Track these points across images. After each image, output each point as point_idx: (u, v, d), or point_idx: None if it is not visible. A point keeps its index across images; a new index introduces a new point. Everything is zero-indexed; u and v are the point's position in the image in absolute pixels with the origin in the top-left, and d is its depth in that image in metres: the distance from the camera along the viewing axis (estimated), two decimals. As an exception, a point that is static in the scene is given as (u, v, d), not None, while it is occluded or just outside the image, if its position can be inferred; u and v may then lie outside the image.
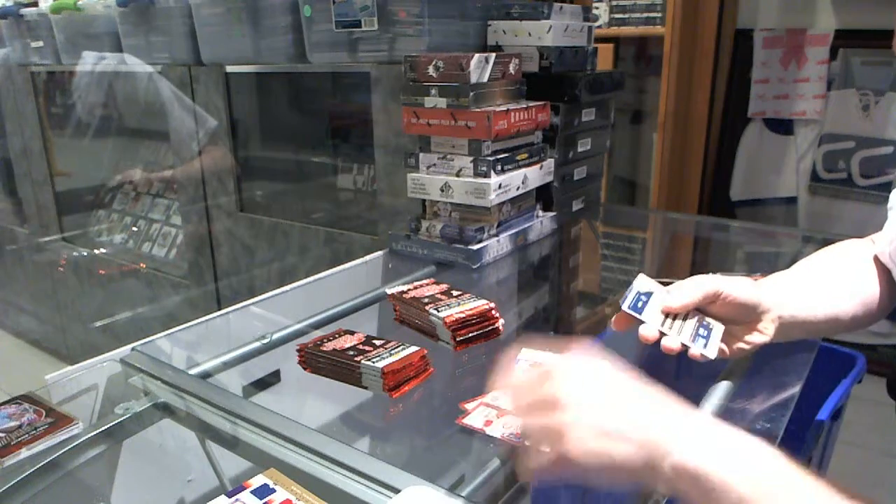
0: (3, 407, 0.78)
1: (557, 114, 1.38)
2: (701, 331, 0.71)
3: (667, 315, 0.72)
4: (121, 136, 2.48)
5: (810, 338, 0.84)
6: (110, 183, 2.67)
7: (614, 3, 2.41)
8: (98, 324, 2.57)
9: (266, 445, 0.70)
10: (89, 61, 2.17)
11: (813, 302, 0.75)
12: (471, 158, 1.20)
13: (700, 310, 0.73)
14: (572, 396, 0.55)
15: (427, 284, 1.04)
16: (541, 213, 1.40)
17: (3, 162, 2.82)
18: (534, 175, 1.32)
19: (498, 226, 1.26)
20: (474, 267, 1.20)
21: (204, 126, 1.93)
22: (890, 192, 0.82)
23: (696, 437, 0.51)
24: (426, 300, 0.96)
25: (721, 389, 0.77)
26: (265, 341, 0.96)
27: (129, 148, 2.52)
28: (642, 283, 0.75)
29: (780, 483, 0.48)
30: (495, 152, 1.22)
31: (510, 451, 0.68)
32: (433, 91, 1.20)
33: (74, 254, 2.63)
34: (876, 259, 0.80)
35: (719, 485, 0.48)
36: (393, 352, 0.83)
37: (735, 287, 0.70)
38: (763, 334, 0.72)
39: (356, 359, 0.82)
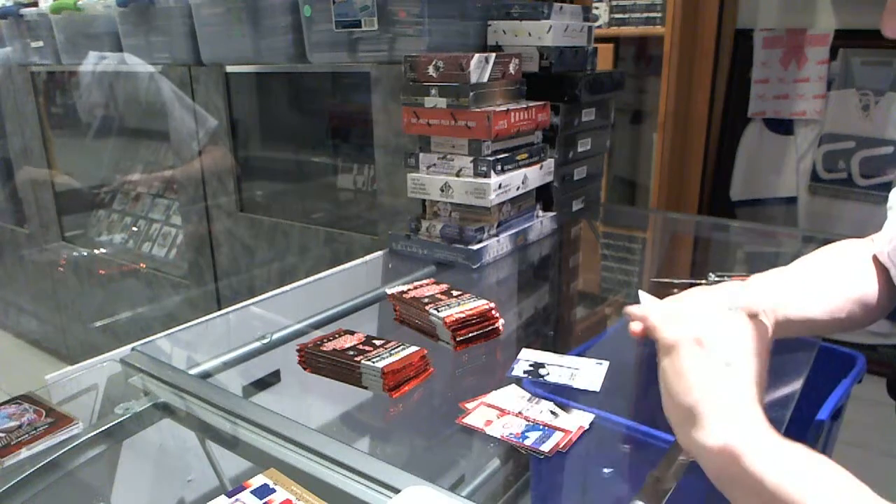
0: (3, 407, 0.78)
1: (557, 114, 1.38)
2: None
3: None
4: (121, 136, 2.48)
5: (806, 336, 0.84)
6: (112, 184, 2.67)
7: (614, 3, 2.41)
8: (98, 324, 2.57)
9: (266, 445, 0.70)
10: (90, 61, 2.17)
11: (808, 300, 0.75)
12: (471, 158, 1.20)
13: None
14: (706, 331, 0.59)
15: (427, 284, 1.04)
16: (541, 213, 1.40)
17: (3, 162, 2.83)
18: (534, 175, 1.32)
19: (498, 226, 1.26)
20: (474, 267, 1.20)
21: (204, 126, 1.93)
22: (890, 191, 0.82)
23: (756, 431, 0.53)
24: (426, 300, 0.96)
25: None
26: (265, 341, 0.96)
27: (129, 148, 2.52)
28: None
29: (819, 485, 0.49)
30: (495, 152, 1.22)
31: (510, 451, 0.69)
32: (433, 91, 1.20)
33: (74, 254, 2.63)
34: (875, 259, 0.80)
35: (756, 477, 0.50)
36: (393, 352, 0.83)
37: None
38: None
39: (356, 359, 0.82)
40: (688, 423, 0.56)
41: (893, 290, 0.79)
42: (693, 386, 0.57)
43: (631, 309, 0.67)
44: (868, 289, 0.78)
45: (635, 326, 0.67)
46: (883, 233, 0.80)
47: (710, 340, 0.59)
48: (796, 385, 0.84)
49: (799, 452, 0.51)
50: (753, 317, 0.62)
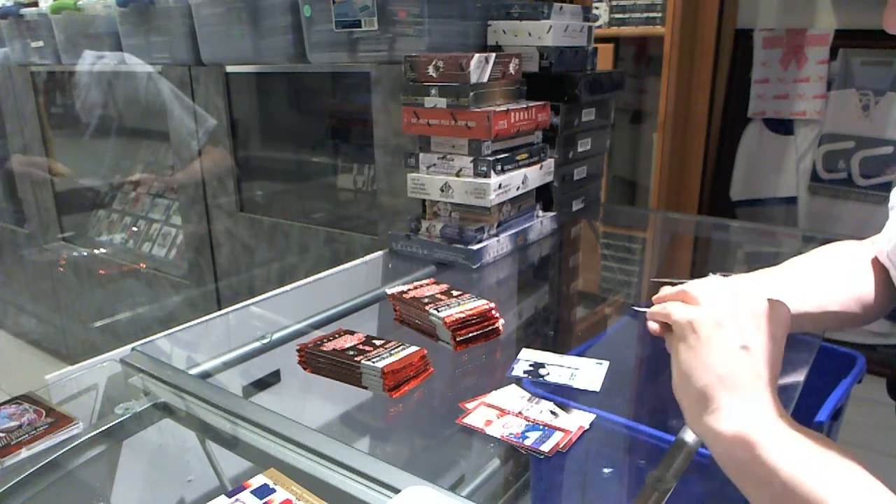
0: (3, 407, 0.78)
1: (557, 114, 1.38)
2: None
3: None
4: (120, 135, 2.48)
5: (800, 330, 0.84)
6: (112, 183, 2.67)
7: (614, 3, 2.41)
8: (98, 324, 2.57)
9: (266, 445, 0.70)
10: (86, 60, 2.17)
11: (799, 294, 0.75)
12: (471, 158, 1.20)
13: None
14: (724, 317, 0.58)
15: (427, 284, 1.04)
16: (541, 213, 1.40)
17: (3, 162, 2.82)
18: (534, 175, 1.32)
19: (498, 226, 1.26)
20: (474, 267, 1.20)
21: (203, 125, 1.93)
22: (890, 191, 0.82)
23: (771, 419, 0.52)
24: (426, 300, 0.96)
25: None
26: (265, 341, 0.96)
27: (128, 147, 2.52)
28: None
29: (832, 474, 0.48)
30: (495, 152, 1.21)
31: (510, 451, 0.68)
32: (433, 91, 1.20)
33: (74, 254, 2.63)
34: (875, 259, 0.80)
35: (770, 466, 0.49)
36: (393, 352, 0.83)
37: None
38: None
39: (356, 359, 0.82)
40: (700, 406, 0.55)
41: (893, 291, 0.79)
42: (708, 368, 0.55)
43: (653, 310, 0.65)
44: (864, 287, 0.78)
45: (654, 325, 0.65)
46: (883, 233, 0.80)
47: (728, 321, 0.57)
48: (796, 385, 0.84)
49: (813, 442, 0.50)
50: (772, 299, 0.60)
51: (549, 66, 1.38)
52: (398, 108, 1.35)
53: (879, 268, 0.79)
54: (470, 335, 0.92)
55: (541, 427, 0.73)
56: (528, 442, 0.70)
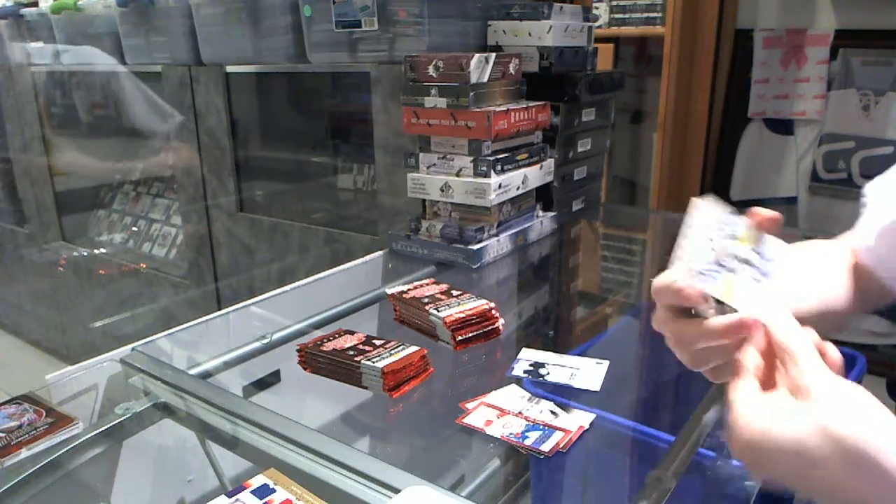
0: (3, 407, 0.78)
1: (557, 114, 1.38)
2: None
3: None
4: (120, 135, 2.48)
5: None
6: (111, 182, 2.67)
7: (614, 3, 2.41)
8: (98, 324, 2.57)
9: (266, 445, 0.70)
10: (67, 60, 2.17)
11: None
12: (471, 158, 1.20)
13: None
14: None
15: (427, 284, 1.04)
16: (541, 213, 1.40)
17: (3, 161, 2.83)
18: (534, 175, 1.32)
19: (498, 226, 1.26)
20: (474, 267, 1.20)
21: (169, 121, 1.93)
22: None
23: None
24: (426, 300, 0.96)
25: (722, 389, 0.77)
26: (265, 341, 0.96)
27: (128, 147, 2.52)
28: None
29: None
30: (495, 152, 1.22)
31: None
32: (433, 91, 1.20)
33: (74, 254, 2.63)
34: (847, 256, 0.76)
35: None
36: (393, 352, 0.83)
37: None
38: None
39: (356, 359, 0.82)
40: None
41: (863, 289, 0.74)
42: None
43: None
44: (826, 283, 0.73)
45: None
46: (856, 228, 0.76)
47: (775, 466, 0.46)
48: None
49: None
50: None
51: (549, 66, 1.38)
52: (398, 108, 1.35)
53: (851, 264, 0.75)
54: (470, 335, 0.92)
55: (541, 427, 0.73)
56: (528, 442, 0.70)
